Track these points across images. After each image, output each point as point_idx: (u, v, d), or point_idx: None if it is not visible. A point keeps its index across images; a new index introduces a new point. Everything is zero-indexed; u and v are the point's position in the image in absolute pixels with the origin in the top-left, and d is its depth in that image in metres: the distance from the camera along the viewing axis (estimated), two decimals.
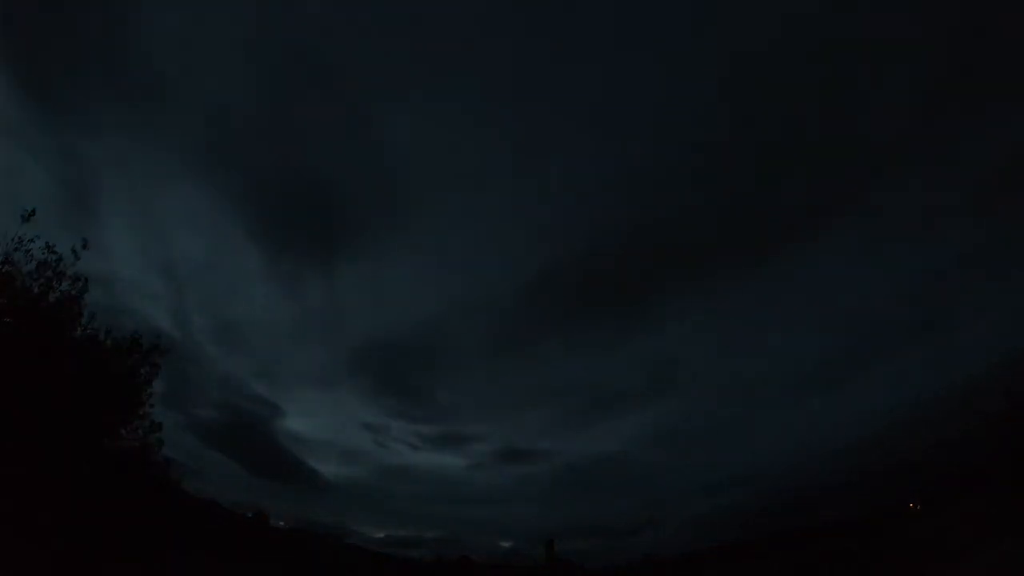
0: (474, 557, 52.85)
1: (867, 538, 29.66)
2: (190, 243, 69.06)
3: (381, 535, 63.27)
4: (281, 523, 43.86)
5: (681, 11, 63.13)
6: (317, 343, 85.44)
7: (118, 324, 18.86)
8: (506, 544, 57.05)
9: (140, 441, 19.59)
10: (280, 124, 69.60)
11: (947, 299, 59.40)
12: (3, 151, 50.34)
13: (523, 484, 76.29)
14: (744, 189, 70.37)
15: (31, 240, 16.24)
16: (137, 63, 63.57)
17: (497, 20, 65.40)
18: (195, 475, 27.47)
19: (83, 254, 17.16)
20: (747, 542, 41.28)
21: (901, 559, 24.86)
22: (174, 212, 66.63)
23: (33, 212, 16.56)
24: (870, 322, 69.20)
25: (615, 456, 77.92)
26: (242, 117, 70.08)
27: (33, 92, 58.35)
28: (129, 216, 65.28)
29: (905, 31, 55.75)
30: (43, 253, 16.43)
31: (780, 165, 66.30)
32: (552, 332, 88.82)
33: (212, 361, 67.60)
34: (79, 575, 15.14)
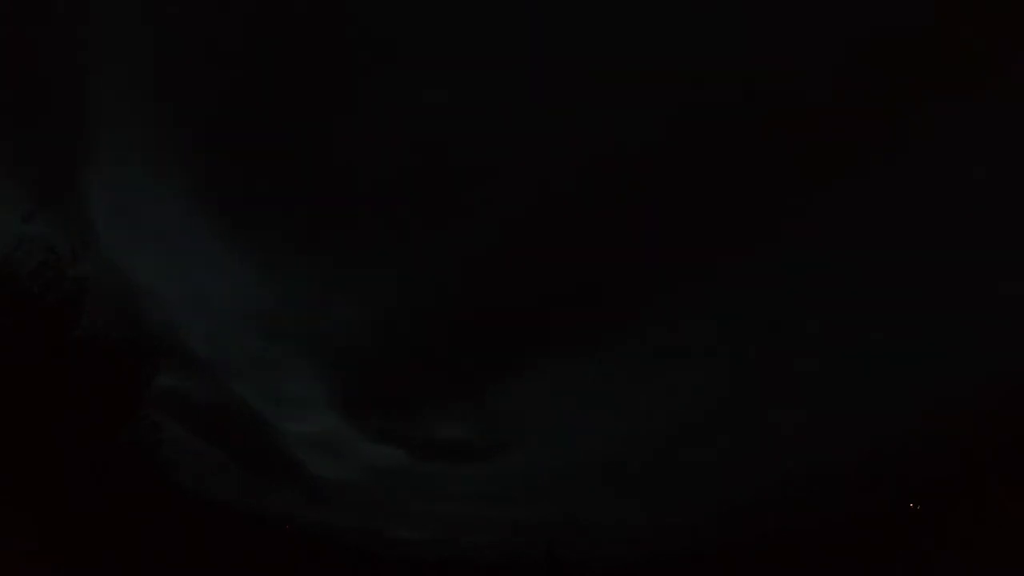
0: (473, 557, 52.94)
1: (867, 538, 29.70)
2: (179, 236, 67.59)
3: (381, 535, 63.32)
4: (280, 524, 43.97)
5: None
6: (315, 338, 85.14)
7: (117, 324, 18.88)
8: (506, 544, 57.05)
9: (140, 441, 19.62)
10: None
11: (945, 298, 59.54)
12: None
13: (523, 483, 76.51)
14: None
15: (31, 240, 16.28)
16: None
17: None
18: (195, 475, 27.45)
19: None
20: (745, 541, 41.34)
21: (901, 558, 24.92)
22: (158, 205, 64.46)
23: (33, 212, 16.60)
24: (873, 318, 69.18)
25: (615, 455, 77.97)
26: None
27: None
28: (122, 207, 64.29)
29: None
30: (43, 253, 16.47)
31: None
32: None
33: (211, 358, 67.54)
34: (79, 575, 15.15)
